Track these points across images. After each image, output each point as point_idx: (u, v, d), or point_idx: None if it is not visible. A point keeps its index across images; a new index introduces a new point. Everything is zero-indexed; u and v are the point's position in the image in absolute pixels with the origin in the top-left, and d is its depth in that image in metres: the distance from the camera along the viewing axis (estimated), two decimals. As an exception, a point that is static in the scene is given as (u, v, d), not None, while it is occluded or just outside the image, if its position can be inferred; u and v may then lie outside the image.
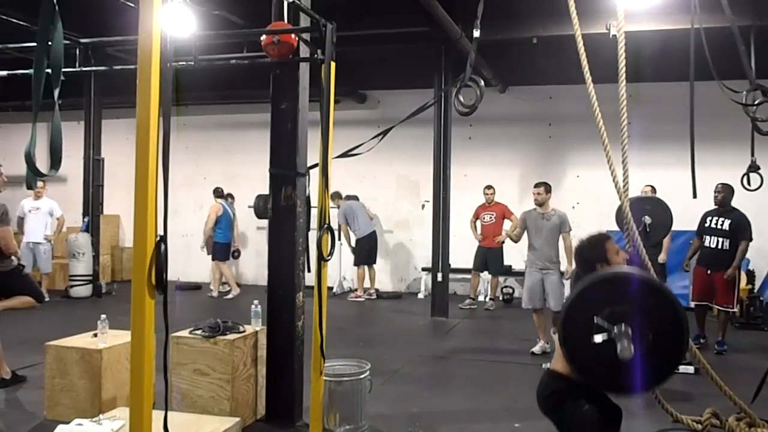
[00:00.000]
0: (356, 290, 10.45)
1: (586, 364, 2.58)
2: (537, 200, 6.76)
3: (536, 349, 6.67)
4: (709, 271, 6.72)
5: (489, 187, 9.77)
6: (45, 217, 9.68)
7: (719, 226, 6.70)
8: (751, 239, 6.70)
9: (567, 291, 6.07)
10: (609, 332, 2.43)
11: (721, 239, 6.67)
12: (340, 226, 10.34)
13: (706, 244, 6.85)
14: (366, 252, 10.36)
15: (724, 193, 6.78)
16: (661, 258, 7.46)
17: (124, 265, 11.83)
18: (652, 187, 7.97)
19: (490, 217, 9.71)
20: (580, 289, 2.63)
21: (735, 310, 6.77)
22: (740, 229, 6.63)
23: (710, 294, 6.72)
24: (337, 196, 10.37)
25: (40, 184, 9.32)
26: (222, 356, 4.36)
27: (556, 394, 2.84)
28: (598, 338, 2.44)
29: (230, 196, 10.84)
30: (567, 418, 2.82)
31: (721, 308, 6.68)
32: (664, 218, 6.10)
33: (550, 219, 6.63)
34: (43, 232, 9.59)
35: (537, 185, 6.83)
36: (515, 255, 10.06)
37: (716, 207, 6.80)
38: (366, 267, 10.42)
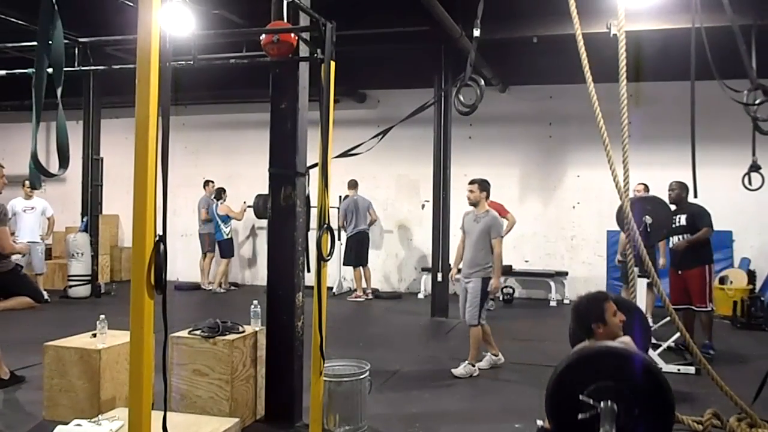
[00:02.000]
0: (356, 290, 10.45)
1: None
2: (470, 199, 6.04)
3: (483, 364, 6.02)
4: (679, 271, 6.60)
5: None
6: (39, 216, 9.68)
7: (678, 223, 6.53)
8: (710, 226, 6.46)
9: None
10: (594, 408, 2.42)
11: (681, 236, 6.52)
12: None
13: (670, 245, 6.75)
14: (354, 252, 10.28)
15: (678, 190, 6.60)
16: (662, 263, 7.43)
17: (123, 265, 11.84)
18: (645, 185, 7.93)
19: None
20: (564, 365, 2.59)
21: (709, 308, 6.40)
22: (697, 219, 6.45)
23: (687, 296, 6.46)
24: (352, 185, 10.43)
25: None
26: (221, 356, 4.35)
27: None
28: (583, 415, 2.43)
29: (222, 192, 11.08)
30: None
31: (695, 309, 6.41)
32: (664, 218, 6.08)
33: (480, 221, 5.94)
34: (38, 232, 9.59)
35: (471, 182, 6.10)
36: (515, 255, 10.07)
37: (674, 206, 6.54)
38: (361, 268, 10.40)
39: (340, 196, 10.59)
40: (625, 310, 3.21)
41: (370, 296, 10.39)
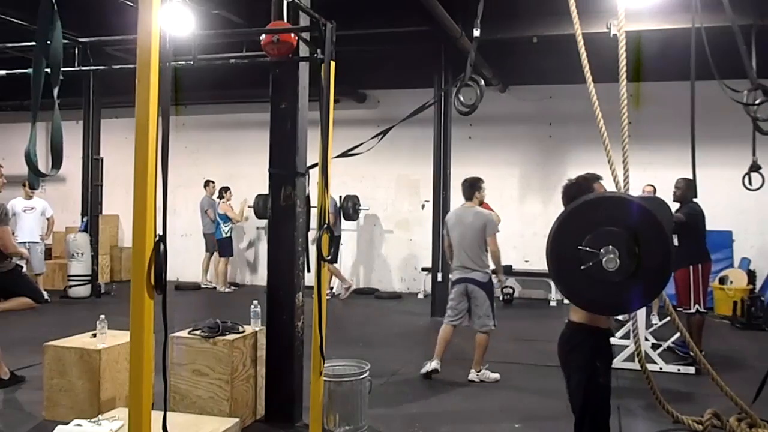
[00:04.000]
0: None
1: (583, 294, 2.59)
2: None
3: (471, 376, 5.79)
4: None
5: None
6: (39, 216, 9.67)
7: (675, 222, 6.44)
8: (689, 220, 6.14)
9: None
10: (595, 255, 2.45)
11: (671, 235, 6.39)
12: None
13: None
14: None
15: (683, 189, 6.40)
16: None
17: (123, 265, 11.83)
18: (654, 187, 7.93)
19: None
20: (557, 224, 2.61)
21: (692, 310, 6.21)
22: (688, 218, 6.18)
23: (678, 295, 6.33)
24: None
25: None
26: (221, 356, 4.35)
27: (576, 350, 2.83)
28: (586, 265, 2.46)
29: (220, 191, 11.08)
30: (581, 380, 2.80)
31: (679, 310, 6.11)
32: (665, 218, 6.03)
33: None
34: (38, 232, 9.59)
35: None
36: (515, 255, 10.07)
37: (677, 205, 6.39)
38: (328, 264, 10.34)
39: (340, 196, 10.59)
40: None
41: (330, 295, 10.18)
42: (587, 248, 2.45)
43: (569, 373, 2.88)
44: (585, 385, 2.78)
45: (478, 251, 5.73)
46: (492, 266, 5.83)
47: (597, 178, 3.02)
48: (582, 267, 2.46)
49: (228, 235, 10.94)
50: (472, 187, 5.92)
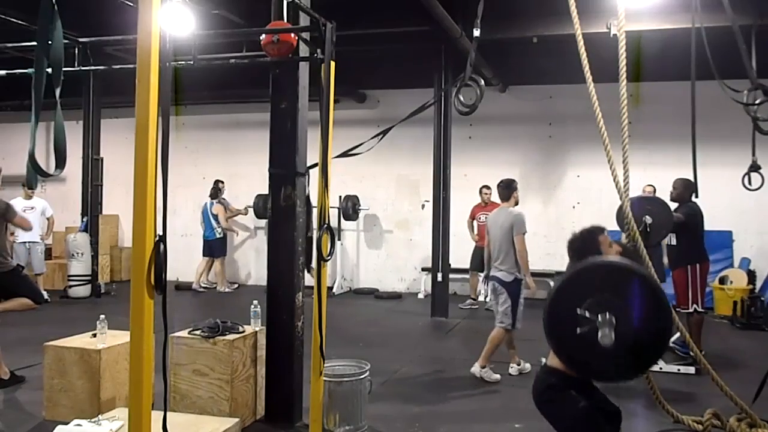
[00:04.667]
0: None
1: (571, 354, 2.58)
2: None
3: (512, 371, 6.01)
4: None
5: (487, 187, 9.74)
6: (39, 216, 9.67)
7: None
8: (687, 222, 6.10)
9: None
10: (592, 322, 2.43)
11: (670, 234, 6.29)
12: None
13: (665, 241, 6.58)
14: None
15: (680, 190, 6.38)
16: (666, 262, 7.37)
17: (123, 265, 11.82)
18: (654, 187, 7.92)
19: (486, 217, 9.68)
20: (560, 282, 2.61)
21: (690, 310, 6.16)
22: (687, 218, 6.15)
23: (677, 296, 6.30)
24: None
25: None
26: (221, 356, 4.34)
27: (551, 389, 2.82)
28: (582, 329, 2.44)
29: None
30: (562, 414, 2.80)
31: (678, 310, 6.07)
32: (664, 218, 6.05)
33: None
34: (38, 232, 9.58)
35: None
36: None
37: (675, 205, 6.34)
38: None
39: (340, 196, 10.60)
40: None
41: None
42: (586, 313, 2.44)
43: (551, 416, 2.86)
44: (574, 420, 2.75)
45: (506, 251, 5.78)
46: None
47: (601, 230, 3.02)
48: (578, 331, 2.44)
49: (221, 235, 10.87)
50: (508, 187, 6.04)
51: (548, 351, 2.74)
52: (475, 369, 5.75)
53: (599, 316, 2.41)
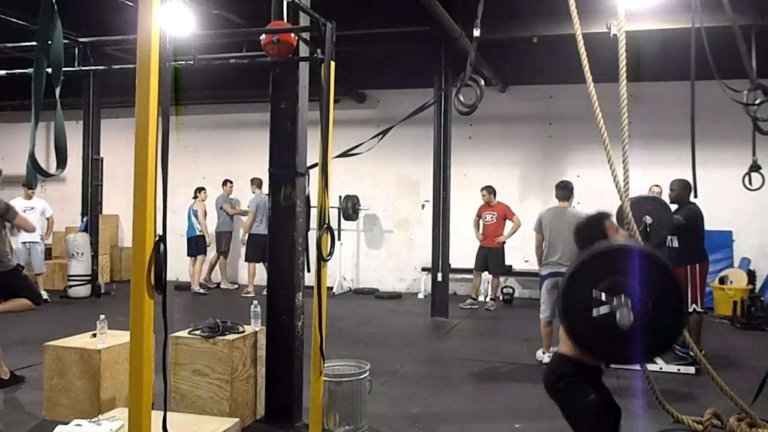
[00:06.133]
0: (247, 286, 10.44)
1: (587, 337, 2.58)
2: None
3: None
4: None
5: (486, 188, 9.75)
6: (39, 217, 9.67)
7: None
8: (688, 223, 6.10)
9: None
10: (608, 304, 2.44)
11: (671, 237, 6.27)
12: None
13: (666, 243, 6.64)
14: (259, 249, 10.04)
15: (678, 190, 6.38)
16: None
17: (123, 265, 11.83)
18: (661, 188, 7.84)
19: (492, 217, 9.71)
20: (577, 263, 2.62)
21: (690, 310, 6.09)
22: (687, 220, 6.14)
23: None
24: (256, 183, 10.45)
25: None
26: (221, 356, 4.34)
27: (563, 379, 2.83)
28: (597, 311, 2.45)
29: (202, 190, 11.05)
30: (572, 404, 2.81)
31: None
32: (664, 218, 6.04)
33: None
34: (38, 232, 9.58)
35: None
36: (515, 255, 10.06)
37: (674, 206, 6.32)
38: (257, 265, 10.36)
39: (340, 196, 10.60)
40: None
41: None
42: (602, 295, 2.44)
43: (561, 403, 2.87)
44: (578, 409, 2.77)
45: (574, 249, 5.86)
46: None
47: (606, 216, 3.04)
48: (593, 314, 2.45)
49: (201, 233, 10.73)
50: (567, 188, 6.45)
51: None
52: (539, 354, 6.22)
53: (615, 299, 2.43)
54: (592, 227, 2.96)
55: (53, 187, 11.78)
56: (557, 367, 2.89)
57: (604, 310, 2.44)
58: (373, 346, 6.98)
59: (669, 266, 2.59)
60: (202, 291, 10.63)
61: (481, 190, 9.74)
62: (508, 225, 9.66)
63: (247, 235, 10.47)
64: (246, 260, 10.59)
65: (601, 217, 3.01)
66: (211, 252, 11.17)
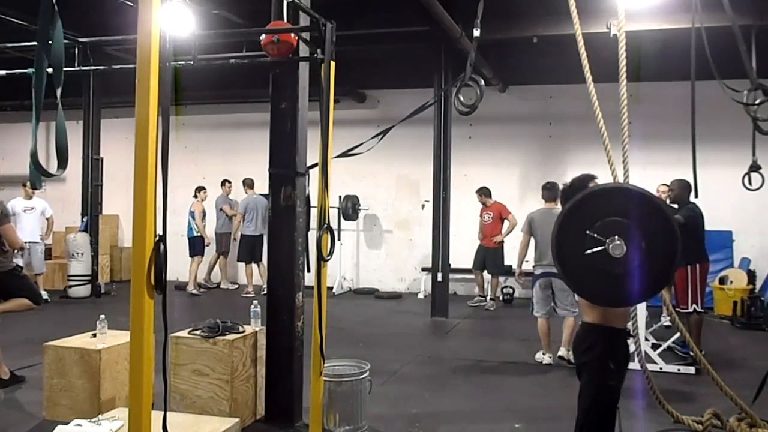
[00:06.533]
0: (247, 287, 10.47)
1: (582, 278, 2.60)
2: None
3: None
4: None
5: (479, 190, 9.76)
6: (39, 216, 9.67)
7: None
8: (689, 223, 6.05)
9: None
10: (602, 244, 2.45)
11: None
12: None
13: None
14: (249, 250, 10.26)
15: (677, 190, 6.39)
16: None
17: (123, 265, 11.83)
18: (668, 186, 7.81)
19: (488, 217, 9.73)
20: (570, 205, 2.63)
21: (690, 310, 6.14)
22: (687, 220, 6.11)
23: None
24: (248, 183, 10.47)
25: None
26: (221, 356, 4.34)
27: (591, 350, 2.83)
28: (592, 251, 2.46)
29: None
30: (591, 381, 2.81)
31: (677, 310, 6.05)
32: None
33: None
34: (38, 232, 9.59)
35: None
36: (516, 255, 10.03)
37: (675, 206, 6.36)
38: (253, 265, 10.41)
39: (340, 196, 10.60)
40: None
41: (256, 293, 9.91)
42: (595, 235, 2.46)
43: (582, 373, 2.88)
44: (595, 387, 2.78)
45: None
46: None
47: (592, 177, 3.07)
48: (587, 252, 2.46)
49: (198, 234, 10.75)
50: (553, 189, 6.46)
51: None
52: (562, 352, 6.13)
53: (608, 239, 2.44)
54: (576, 189, 2.95)
55: (53, 187, 11.76)
56: (586, 336, 2.89)
57: (597, 247, 2.46)
58: (373, 346, 6.98)
59: (658, 201, 2.59)
60: (195, 292, 10.55)
61: (476, 192, 9.76)
62: (506, 225, 9.66)
63: (239, 235, 10.51)
64: (237, 260, 10.68)
65: (585, 179, 3.04)
66: (212, 252, 11.17)
